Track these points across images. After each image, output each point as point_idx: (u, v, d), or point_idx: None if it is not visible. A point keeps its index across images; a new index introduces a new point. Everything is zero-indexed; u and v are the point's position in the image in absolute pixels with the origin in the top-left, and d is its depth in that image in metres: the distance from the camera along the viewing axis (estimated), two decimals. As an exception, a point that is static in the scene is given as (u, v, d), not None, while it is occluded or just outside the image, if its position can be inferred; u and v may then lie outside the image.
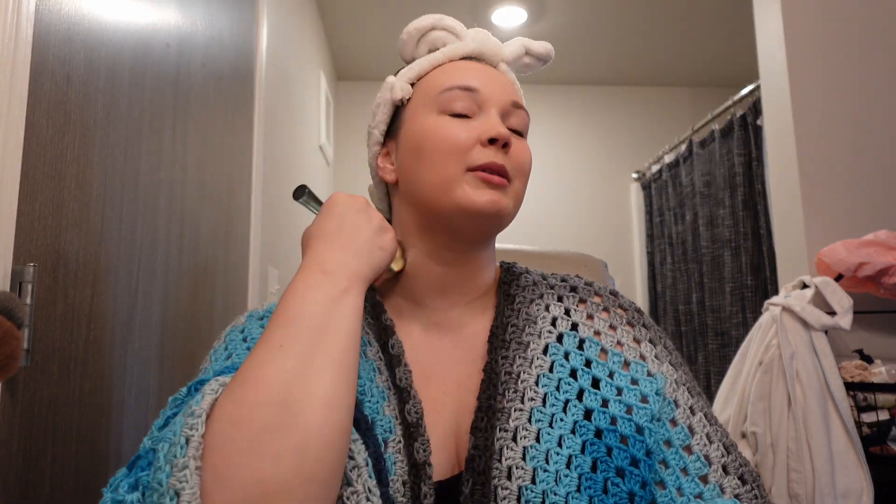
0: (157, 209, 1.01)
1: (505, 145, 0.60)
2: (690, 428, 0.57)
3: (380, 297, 0.66)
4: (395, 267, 0.63)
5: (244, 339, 0.60)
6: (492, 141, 0.59)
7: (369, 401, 0.55)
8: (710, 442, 0.57)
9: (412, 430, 0.53)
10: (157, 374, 1.00)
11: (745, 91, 2.29)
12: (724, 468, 0.55)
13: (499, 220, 0.60)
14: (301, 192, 0.66)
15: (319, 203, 0.66)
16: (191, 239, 1.16)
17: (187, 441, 0.39)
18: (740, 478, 0.55)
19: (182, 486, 0.38)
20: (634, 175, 3.51)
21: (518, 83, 0.69)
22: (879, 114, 1.75)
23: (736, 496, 0.54)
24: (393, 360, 0.58)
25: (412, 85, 0.66)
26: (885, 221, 1.65)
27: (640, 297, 3.39)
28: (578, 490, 0.50)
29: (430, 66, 0.66)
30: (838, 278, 1.55)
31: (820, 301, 1.53)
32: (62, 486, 0.73)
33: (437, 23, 0.68)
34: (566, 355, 0.59)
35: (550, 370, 0.57)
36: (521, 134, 0.64)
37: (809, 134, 1.73)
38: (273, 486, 0.40)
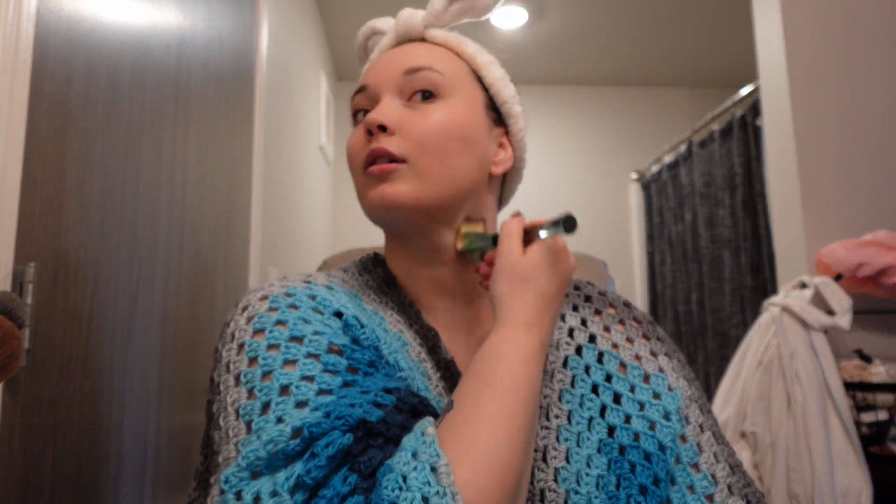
0: (158, 209, 1.01)
1: (384, 128, 0.55)
2: (699, 445, 0.56)
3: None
4: (460, 245, 0.59)
5: (294, 339, 0.49)
6: (370, 133, 0.56)
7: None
8: (717, 461, 0.56)
9: None
10: (157, 373, 1.00)
11: (744, 91, 2.29)
12: (730, 488, 0.55)
13: (401, 210, 0.55)
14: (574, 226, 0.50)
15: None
16: (191, 239, 1.16)
17: None
18: (744, 498, 0.55)
19: None
20: (634, 175, 3.51)
21: (457, 38, 0.62)
22: (879, 114, 1.75)
23: None
24: (450, 365, 0.55)
25: None
26: (885, 221, 1.65)
27: (640, 298, 3.39)
28: None
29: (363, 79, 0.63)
30: (838, 278, 1.56)
31: (819, 301, 1.53)
32: (63, 485, 0.74)
33: (368, 31, 0.67)
34: (587, 369, 0.57)
35: (572, 385, 0.55)
36: (431, 94, 0.57)
37: (809, 134, 1.73)
38: None
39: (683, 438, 0.55)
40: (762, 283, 2.25)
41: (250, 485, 0.40)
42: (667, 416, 0.55)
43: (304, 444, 0.41)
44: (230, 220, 1.41)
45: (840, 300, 1.51)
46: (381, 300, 0.60)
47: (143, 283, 0.95)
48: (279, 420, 0.43)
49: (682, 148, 2.88)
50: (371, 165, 0.55)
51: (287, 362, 0.47)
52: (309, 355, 0.47)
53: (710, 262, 2.55)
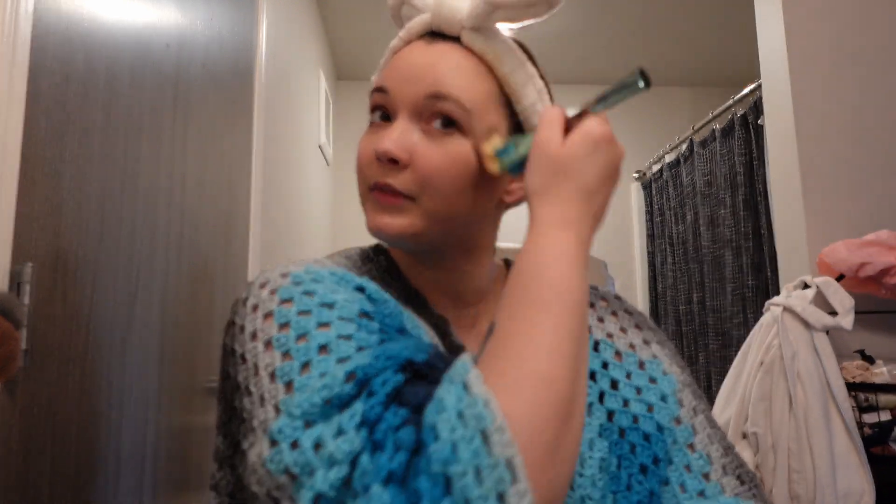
0: (157, 209, 1.01)
1: (394, 161, 0.52)
2: (693, 427, 0.58)
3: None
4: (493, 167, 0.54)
5: (325, 305, 0.47)
6: (379, 157, 0.53)
7: None
8: (711, 442, 0.58)
9: None
10: (156, 373, 1.00)
11: (746, 90, 2.28)
12: (724, 468, 0.56)
13: (399, 241, 0.54)
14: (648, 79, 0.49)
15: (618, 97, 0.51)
16: (190, 239, 1.16)
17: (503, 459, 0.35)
18: (738, 478, 0.56)
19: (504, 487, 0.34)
20: (635, 175, 3.50)
21: (495, 51, 0.56)
22: (880, 113, 1.75)
23: (735, 495, 0.55)
24: (461, 351, 0.54)
25: None
26: (887, 221, 1.65)
27: (641, 298, 3.38)
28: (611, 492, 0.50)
29: (391, 57, 0.58)
30: (840, 278, 1.55)
31: (821, 301, 1.52)
32: (62, 485, 0.73)
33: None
34: None
35: None
36: (451, 122, 0.53)
37: (810, 133, 1.73)
38: (563, 484, 0.38)
39: (678, 420, 0.57)
40: (764, 283, 2.24)
41: (305, 433, 0.39)
42: (663, 399, 0.57)
43: (358, 387, 0.40)
44: (229, 220, 1.41)
45: (842, 300, 1.50)
46: (384, 291, 0.59)
47: (141, 283, 0.94)
48: (322, 376, 0.42)
49: (684, 147, 2.87)
50: (377, 190, 0.54)
51: (321, 325, 0.45)
52: (341, 318, 0.46)
53: (712, 261, 2.54)
